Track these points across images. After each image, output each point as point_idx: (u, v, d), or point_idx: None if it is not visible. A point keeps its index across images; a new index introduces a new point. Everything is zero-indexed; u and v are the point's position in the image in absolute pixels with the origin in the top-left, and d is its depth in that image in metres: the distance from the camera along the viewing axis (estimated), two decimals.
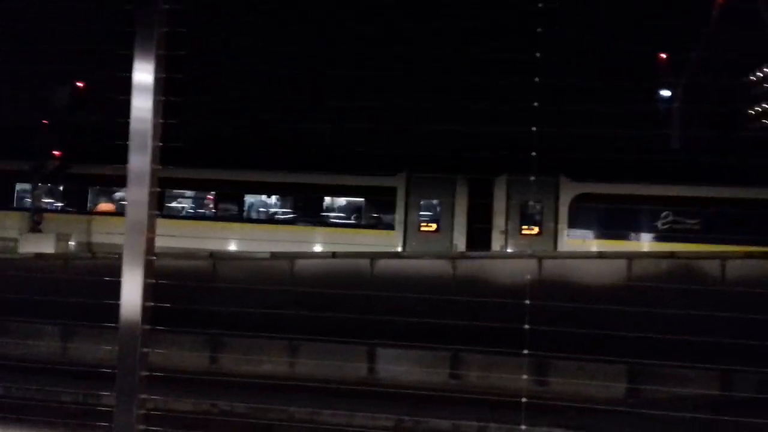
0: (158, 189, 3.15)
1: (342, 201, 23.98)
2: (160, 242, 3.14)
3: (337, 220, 23.72)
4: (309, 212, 23.65)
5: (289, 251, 16.11)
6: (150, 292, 3.13)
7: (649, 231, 20.72)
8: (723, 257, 12.14)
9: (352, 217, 23.73)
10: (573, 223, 21.13)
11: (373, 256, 14.16)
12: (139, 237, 3.12)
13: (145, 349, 3.13)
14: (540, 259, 13.28)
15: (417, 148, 20.22)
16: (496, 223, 21.51)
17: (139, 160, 3.12)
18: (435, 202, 22.78)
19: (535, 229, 21.94)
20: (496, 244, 21.23)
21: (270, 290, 11.33)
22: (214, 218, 24.11)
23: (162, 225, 3.18)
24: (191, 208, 25.00)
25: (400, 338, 9.64)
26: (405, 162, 21.89)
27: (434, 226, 22.61)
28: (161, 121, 3.15)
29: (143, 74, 3.10)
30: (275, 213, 24.49)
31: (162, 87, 3.12)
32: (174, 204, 24.73)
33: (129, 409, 3.09)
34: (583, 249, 19.84)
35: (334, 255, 14.78)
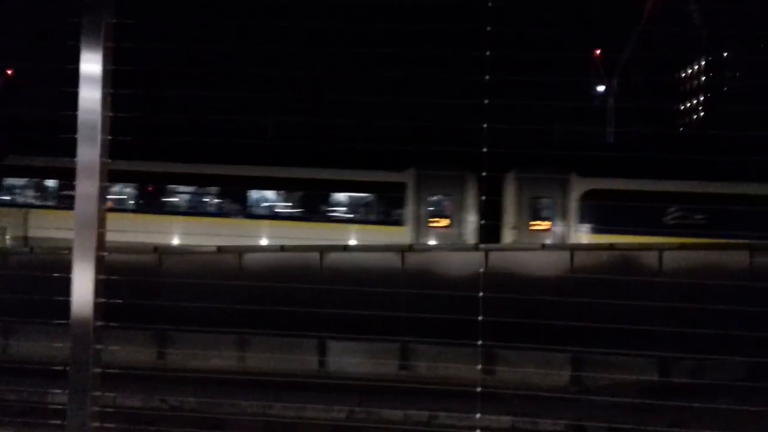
0: (108, 183, 3.10)
1: (349, 197, 23.44)
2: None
3: (344, 216, 23.19)
4: (315, 209, 23.13)
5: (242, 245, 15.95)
6: (102, 288, 3.08)
7: (657, 226, 20.98)
8: (660, 248, 12.47)
9: (361, 214, 23.30)
10: (582, 219, 21.27)
11: (323, 249, 14.14)
12: (90, 232, 3.06)
13: (98, 346, 3.08)
14: (486, 252, 13.44)
15: (424, 144, 20.19)
16: (506, 219, 21.49)
17: (88, 154, 3.06)
18: (445, 197, 22.58)
19: (545, 225, 21.94)
20: (507, 239, 21.25)
21: (217, 284, 11.23)
22: (220, 214, 23.36)
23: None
24: (206, 202, 24.20)
25: (353, 330, 9.67)
26: (413, 158, 21.61)
27: (445, 222, 22.41)
28: (110, 114, 3.10)
29: (91, 66, 3.04)
30: (280, 209, 23.80)
31: (111, 79, 3.07)
32: (176, 199, 24.09)
33: (82, 407, 3.05)
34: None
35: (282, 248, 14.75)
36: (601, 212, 20.51)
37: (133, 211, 22.81)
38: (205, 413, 7.56)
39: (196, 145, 20.99)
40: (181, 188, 23.98)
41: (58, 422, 3.13)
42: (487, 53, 3.97)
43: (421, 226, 22.20)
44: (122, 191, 23.74)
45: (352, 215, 23.21)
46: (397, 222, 22.30)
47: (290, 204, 23.66)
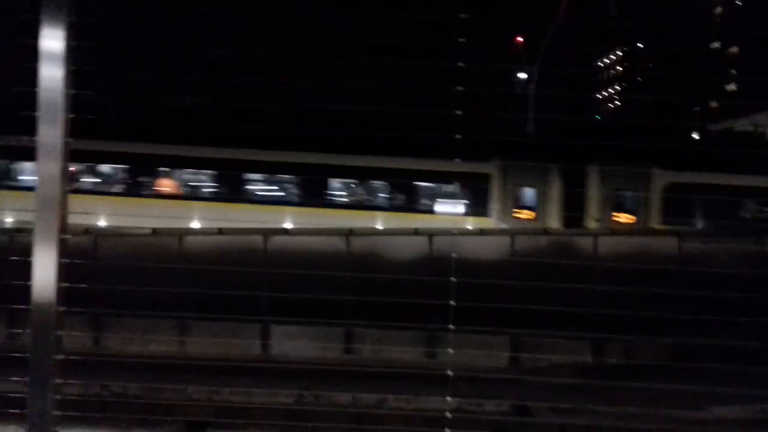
0: (71, 163, 2.99)
1: (431, 187, 22.68)
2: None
3: (427, 207, 22.45)
4: (397, 198, 22.37)
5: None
6: (64, 272, 2.98)
7: (736, 219, 21.25)
8: (595, 234, 12.81)
9: (447, 204, 22.70)
10: (663, 211, 21.25)
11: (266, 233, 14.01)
12: (52, 214, 2.95)
13: (60, 332, 2.98)
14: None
15: (508, 135, 19.72)
16: (589, 211, 21.34)
17: (50, 133, 2.94)
18: (530, 189, 22.22)
19: (628, 217, 21.90)
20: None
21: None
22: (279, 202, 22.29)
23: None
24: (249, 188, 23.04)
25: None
26: (496, 148, 21.16)
27: (531, 214, 22.08)
28: (73, 91, 2.98)
29: (53, 41, 2.92)
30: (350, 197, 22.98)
31: (74, 55, 2.95)
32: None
33: (44, 395, 2.95)
34: None
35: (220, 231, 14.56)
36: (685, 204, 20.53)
37: (94, 192, 21.62)
38: (154, 399, 7.43)
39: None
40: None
41: (17, 411, 3.02)
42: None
43: (506, 217, 21.82)
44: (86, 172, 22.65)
45: (435, 206, 22.69)
46: (483, 213, 21.89)
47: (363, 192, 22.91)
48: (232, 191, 22.33)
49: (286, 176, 22.79)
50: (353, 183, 23.19)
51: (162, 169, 22.72)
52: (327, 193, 22.76)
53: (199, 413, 7.29)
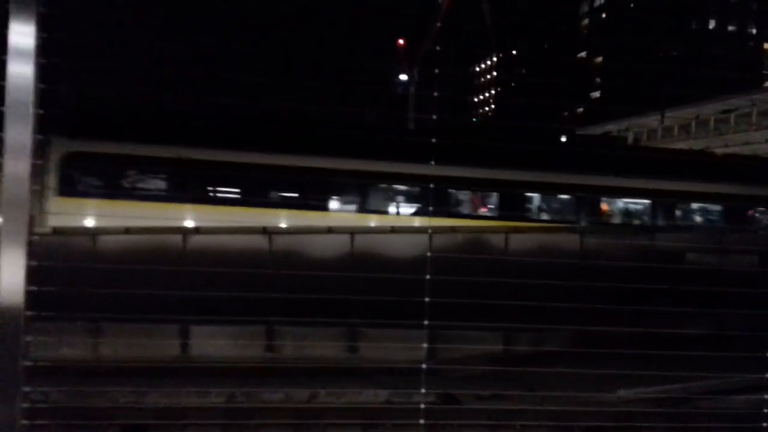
0: (40, 161, 2.87)
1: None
2: None
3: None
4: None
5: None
6: (33, 275, 2.85)
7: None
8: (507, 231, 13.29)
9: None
10: None
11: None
12: (20, 215, 2.82)
13: (28, 338, 2.85)
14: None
15: None
16: None
17: (19, 129, 2.80)
18: None
19: None
20: None
21: None
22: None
23: None
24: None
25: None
26: None
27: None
28: (42, 86, 2.86)
29: (22, 34, 2.79)
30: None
31: (44, 49, 2.83)
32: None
33: (11, 403, 2.81)
34: None
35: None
36: None
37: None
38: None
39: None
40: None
41: None
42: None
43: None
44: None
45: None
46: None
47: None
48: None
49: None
50: None
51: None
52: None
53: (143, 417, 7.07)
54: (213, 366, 8.94)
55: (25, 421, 2.86)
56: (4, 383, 2.81)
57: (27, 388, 2.85)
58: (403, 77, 43.50)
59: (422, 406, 4.13)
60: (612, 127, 42.24)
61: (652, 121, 38.82)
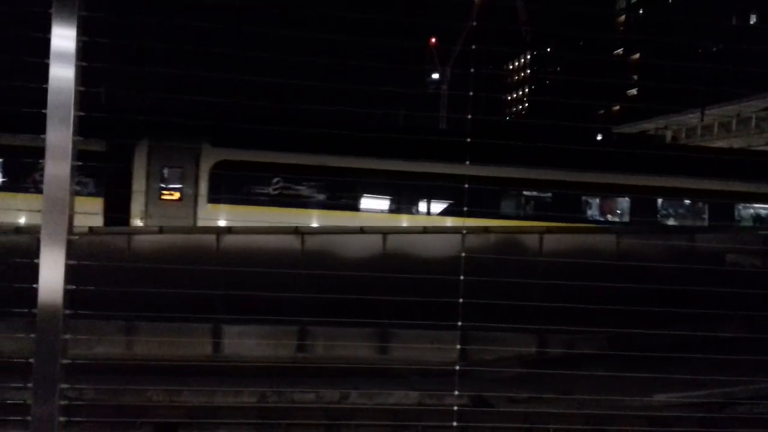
0: (79, 163, 2.91)
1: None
2: None
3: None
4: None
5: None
6: (71, 274, 2.90)
7: None
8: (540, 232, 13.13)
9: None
10: None
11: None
12: (60, 215, 2.87)
13: (66, 336, 2.90)
14: None
15: None
16: None
17: (59, 132, 2.85)
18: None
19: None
20: None
21: None
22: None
23: None
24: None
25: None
26: None
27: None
28: (82, 89, 2.90)
29: (64, 37, 2.83)
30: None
31: (85, 52, 2.88)
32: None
33: (49, 400, 2.86)
34: None
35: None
36: None
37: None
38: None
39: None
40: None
41: (20, 418, 2.92)
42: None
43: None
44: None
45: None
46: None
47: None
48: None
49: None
50: None
51: None
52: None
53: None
54: (245, 365, 9.00)
55: (62, 418, 2.91)
56: (44, 380, 2.86)
57: (65, 385, 2.91)
58: (435, 76, 43.35)
59: (455, 408, 4.12)
60: (649, 126, 41.64)
61: (690, 119, 38.17)
